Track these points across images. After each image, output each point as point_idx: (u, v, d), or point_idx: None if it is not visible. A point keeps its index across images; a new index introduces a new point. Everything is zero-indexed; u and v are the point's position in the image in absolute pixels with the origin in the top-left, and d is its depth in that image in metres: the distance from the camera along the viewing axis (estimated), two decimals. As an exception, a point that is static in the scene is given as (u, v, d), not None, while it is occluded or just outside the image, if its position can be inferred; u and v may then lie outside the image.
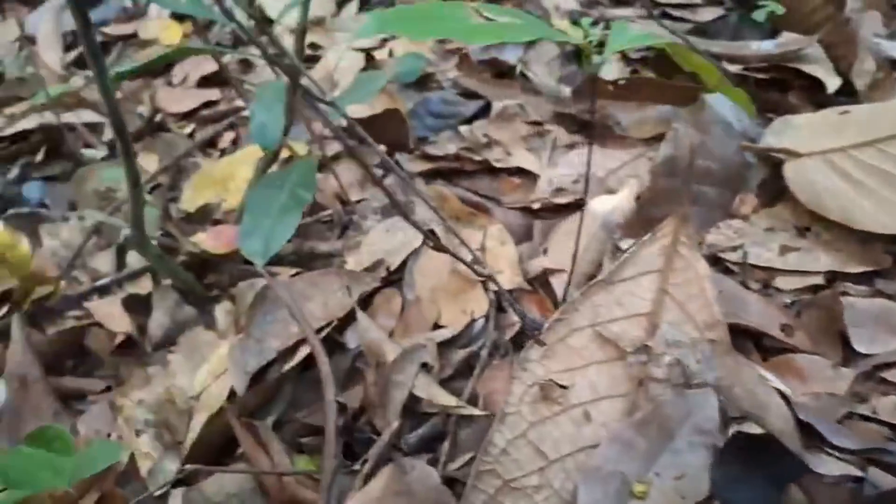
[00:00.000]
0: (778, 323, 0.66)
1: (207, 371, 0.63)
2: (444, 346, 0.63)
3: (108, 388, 0.66)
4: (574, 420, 0.55)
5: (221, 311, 0.69)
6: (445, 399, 0.57)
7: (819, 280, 0.69)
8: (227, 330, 0.67)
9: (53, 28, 1.44)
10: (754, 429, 0.53)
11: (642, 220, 0.74)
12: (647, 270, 0.63)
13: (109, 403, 0.64)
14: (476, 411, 0.57)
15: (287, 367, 0.61)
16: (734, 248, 0.74)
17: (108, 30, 1.40)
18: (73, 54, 1.39)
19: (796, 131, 0.80)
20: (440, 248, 0.59)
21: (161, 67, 1.22)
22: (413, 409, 0.59)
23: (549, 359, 0.58)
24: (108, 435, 0.60)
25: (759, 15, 0.84)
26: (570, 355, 0.58)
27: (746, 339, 0.65)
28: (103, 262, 0.77)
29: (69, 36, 1.49)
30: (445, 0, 0.37)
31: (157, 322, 0.67)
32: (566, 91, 0.97)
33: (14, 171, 0.97)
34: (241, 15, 0.61)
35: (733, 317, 0.65)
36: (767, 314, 0.67)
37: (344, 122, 0.61)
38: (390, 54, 1.05)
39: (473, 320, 0.65)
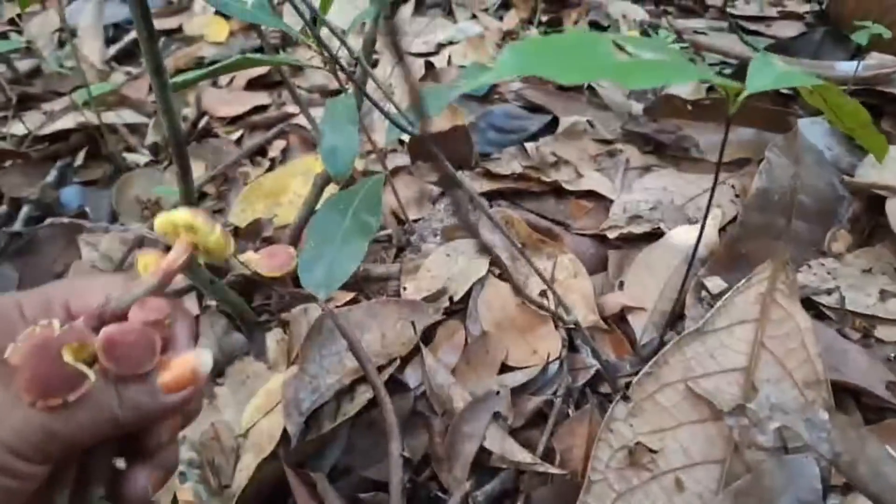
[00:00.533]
0: (882, 380, 0.60)
1: (256, 406, 0.58)
2: (515, 392, 0.58)
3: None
4: (665, 489, 0.49)
5: (272, 340, 0.64)
6: (521, 455, 0.52)
7: (925, 332, 0.62)
8: (279, 361, 0.63)
9: (95, 20, 1.41)
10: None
11: (730, 256, 0.68)
12: (742, 320, 0.57)
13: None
14: (554, 469, 0.52)
15: (345, 409, 0.56)
16: (828, 291, 0.67)
17: (152, 24, 1.36)
18: (114, 48, 1.36)
19: (896, 164, 0.74)
20: (511, 281, 0.53)
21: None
22: (481, 463, 0.53)
23: (636, 417, 0.52)
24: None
25: (860, 37, 0.77)
26: (660, 414, 0.52)
27: (846, 398, 0.59)
28: (146, 277, 0.73)
29: (111, 29, 1.46)
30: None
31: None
32: (636, 107, 0.91)
33: (52, 174, 0.92)
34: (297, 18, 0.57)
35: (832, 372, 0.58)
36: (870, 369, 0.60)
37: (407, 138, 0.56)
38: (448, 61, 0.99)
39: (548, 363, 0.59)
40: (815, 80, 0.41)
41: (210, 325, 0.64)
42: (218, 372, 0.63)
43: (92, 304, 0.33)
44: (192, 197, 0.53)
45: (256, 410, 0.58)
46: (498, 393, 0.54)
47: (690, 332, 0.55)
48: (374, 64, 1.05)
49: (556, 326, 0.64)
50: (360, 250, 0.55)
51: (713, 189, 0.52)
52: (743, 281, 0.58)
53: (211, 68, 0.57)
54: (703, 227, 0.54)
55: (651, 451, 0.50)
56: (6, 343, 0.31)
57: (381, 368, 0.59)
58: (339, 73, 0.60)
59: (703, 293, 0.66)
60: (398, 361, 0.60)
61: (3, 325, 0.32)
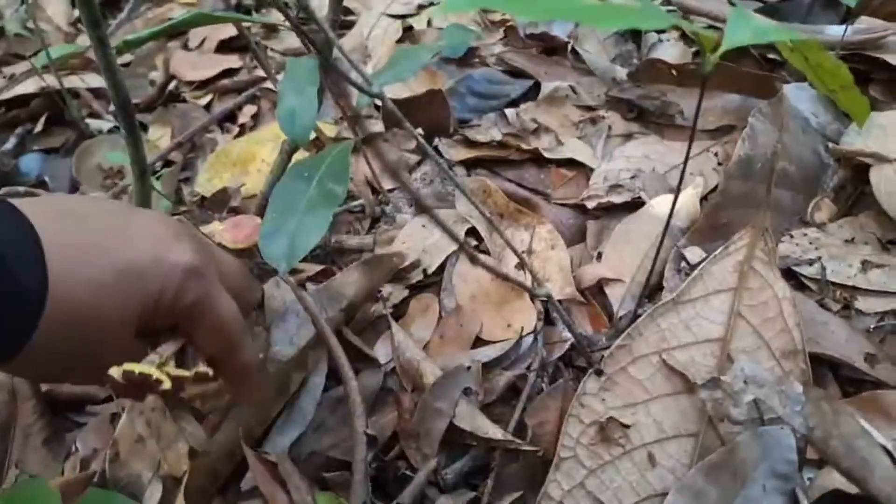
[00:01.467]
0: (861, 352, 0.59)
1: None
2: (488, 367, 0.56)
3: (110, 398, 0.59)
4: (638, 465, 0.48)
5: None
6: (492, 431, 0.50)
7: (907, 302, 0.61)
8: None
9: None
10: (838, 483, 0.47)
11: (710, 226, 0.66)
12: (719, 289, 0.55)
13: (111, 416, 0.57)
14: (526, 446, 0.50)
15: (296, 379, 0.54)
16: (810, 262, 0.66)
17: (120, -16, 1.30)
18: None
19: (882, 132, 0.72)
20: (478, 261, 0.51)
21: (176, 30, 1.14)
22: (451, 440, 0.52)
23: (608, 391, 0.51)
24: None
25: (849, 0, 0.74)
26: (633, 388, 0.51)
27: (824, 370, 0.58)
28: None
29: (80, -11, 1.40)
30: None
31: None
32: (621, 73, 0.88)
33: (11, 141, 0.88)
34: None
35: (810, 343, 0.57)
36: (849, 341, 0.59)
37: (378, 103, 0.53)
38: (429, 23, 0.96)
39: (521, 337, 0.58)
40: (795, 34, 0.39)
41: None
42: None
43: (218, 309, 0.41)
44: (143, 164, 0.50)
45: None
46: (469, 368, 0.52)
47: (665, 302, 0.53)
48: (351, 25, 1.01)
49: (532, 300, 0.63)
50: (325, 221, 0.52)
51: (687, 156, 0.50)
52: (720, 249, 0.57)
53: (162, 26, 0.54)
54: (676, 195, 0.52)
55: (623, 425, 0.49)
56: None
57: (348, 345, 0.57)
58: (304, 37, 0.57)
59: (683, 264, 0.65)
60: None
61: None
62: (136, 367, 0.35)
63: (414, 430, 0.51)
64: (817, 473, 0.51)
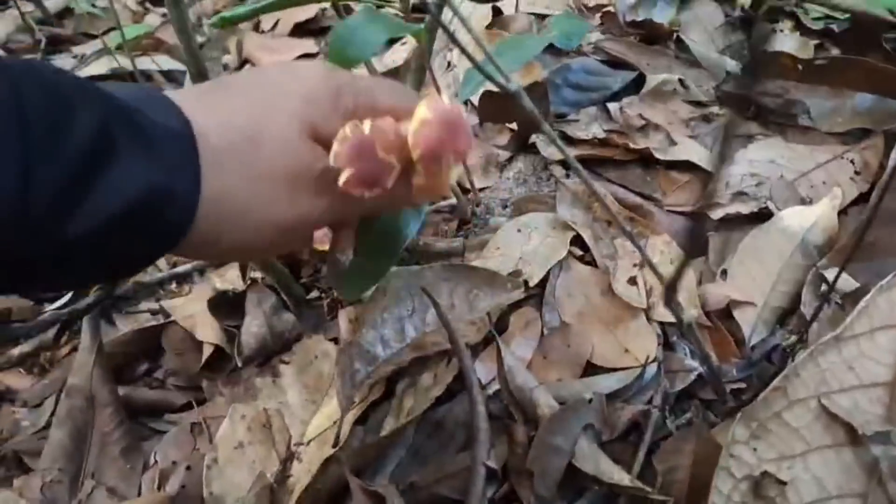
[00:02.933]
0: None
1: (326, 415, 0.51)
2: (607, 399, 0.50)
3: (189, 405, 0.55)
4: (796, 529, 0.41)
5: (345, 318, 0.56)
6: (618, 475, 0.44)
7: None
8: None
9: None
10: None
11: (855, 245, 0.58)
12: (887, 325, 0.48)
13: (191, 426, 0.53)
14: (655, 495, 0.44)
15: (407, 404, 0.49)
16: (971, 290, 0.57)
17: (189, -39, 1.26)
18: (151, -13, 1.27)
19: None
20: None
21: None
22: (568, 480, 0.46)
23: (760, 440, 0.44)
24: (188, 468, 0.50)
25: None
26: (789, 437, 0.44)
27: None
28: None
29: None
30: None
31: (252, 331, 0.55)
32: (730, 64, 0.80)
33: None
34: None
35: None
36: None
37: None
38: (516, 7, 0.89)
39: (644, 366, 0.51)
40: None
41: (258, 303, 0.57)
42: (264, 353, 0.56)
43: (381, 103, 0.37)
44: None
45: (327, 418, 0.51)
46: (590, 401, 0.46)
47: (827, 339, 0.46)
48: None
49: (650, 320, 0.56)
50: (415, 222, 0.46)
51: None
52: (889, 277, 0.49)
53: (262, 4, 0.48)
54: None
55: (780, 482, 0.42)
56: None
57: (445, 353, 0.51)
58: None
59: (823, 287, 0.57)
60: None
61: (338, 110, 0.36)
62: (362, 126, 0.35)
63: (528, 467, 0.45)
64: None
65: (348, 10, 0.97)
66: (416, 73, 0.61)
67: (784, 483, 0.42)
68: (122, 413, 0.53)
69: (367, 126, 0.35)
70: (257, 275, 0.62)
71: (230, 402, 0.53)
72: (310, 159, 0.35)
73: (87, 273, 0.32)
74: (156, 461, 0.51)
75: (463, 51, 0.43)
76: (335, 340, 0.56)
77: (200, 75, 0.49)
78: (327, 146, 0.35)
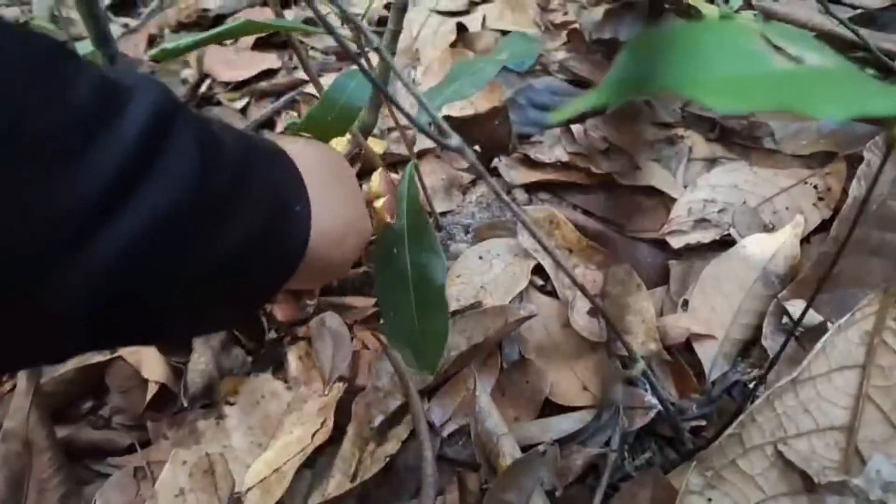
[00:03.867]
0: None
1: (266, 462, 0.49)
2: (563, 442, 0.49)
3: (133, 447, 0.53)
4: (752, 583, 0.40)
5: (294, 356, 0.54)
6: None
7: None
8: (300, 379, 0.53)
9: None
10: None
11: (818, 277, 0.57)
12: (843, 366, 0.47)
13: (134, 470, 0.51)
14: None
15: (365, 461, 0.47)
16: (932, 321, 0.57)
17: (152, -29, 1.23)
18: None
19: None
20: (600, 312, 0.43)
21: (211, 22, 1.07)
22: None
23: (715, 489, 0.43)
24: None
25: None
26: (745, 485, 0.43)
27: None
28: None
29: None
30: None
31: (199, 368, 0.53)
32: (698, 85, 0.79)
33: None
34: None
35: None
36: None
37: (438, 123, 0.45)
38: (483, 23, 0.87)
39: (602, 408, 0.50)
40: None
41: (206, 339, 0.55)
42: (208, 393, 0.54)
43: None
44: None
45: (266, 466, 0.49)
46: (544, 453, 0.45)
47: (783, 383, 0.45)
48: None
49: (610, 355, 0.55)
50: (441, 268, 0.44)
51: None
52: (846, 317, 0.48)
53: (206, 35, 0.46)
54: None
55: (733, 533, 0.41)
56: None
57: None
58: (352, 39, 0.49)
59: (785, 320, 0.56)
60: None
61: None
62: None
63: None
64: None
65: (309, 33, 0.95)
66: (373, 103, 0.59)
67: (739, 535, 0.41)
68: (60, 458, 0.51)
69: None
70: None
71: (174, 445, 0.51)
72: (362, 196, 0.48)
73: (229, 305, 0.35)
74: (96, 507, 0.49)
75: (396, 105, 0.41)
76: (285, 379, 0.54)
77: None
78: None
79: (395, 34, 0.54)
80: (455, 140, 0.36)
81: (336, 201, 0.42)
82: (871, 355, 0.46)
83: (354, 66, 0.52)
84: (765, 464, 0.43)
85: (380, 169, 0.51)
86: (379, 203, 0.50)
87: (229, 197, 0.31)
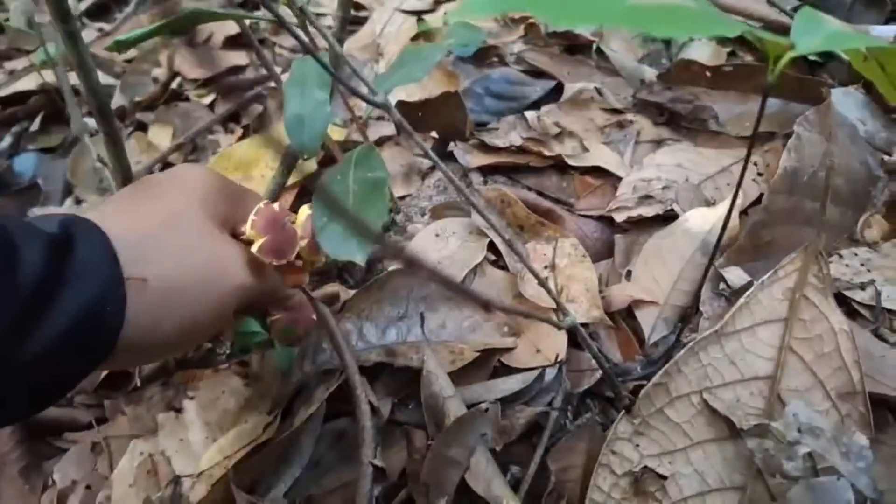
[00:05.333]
0: (925, 390, 0.53)
1: (220, 448, 0.50)
2: (508, 401, 0.51)
3: (91, 424, 0.55)
4: (677, 522, 0.43)
5: (256, 353, 0.56)
6: (504, 493, 0.44)
7: (975, 332, 0.55)
8: (259, 374, 0.55)
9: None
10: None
11: (752, 245, 0.60)
12: (767, 320, 0.49)
13: (92, 445, 0.53)
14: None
15: (309, 410, 0.49)
16: (862, 286, 0.60)
17: (127, -23, 1.26)
18: (88, 2, 1.26)
19: (940, 139, 0.65)
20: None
21: (182, 23, 1.09)
22: (464, 489, 0.47)
23: (643, 436, 0.45)
24: (87, 487, 0.49)
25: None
26: (671, 432, 0.45)
27: (883, 411, 0.52)
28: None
29: (86, -19, 1.36)
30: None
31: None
32: (649, 73, 0.82)
33: (6, 140, 0.84)
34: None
35: (868, 380, 0.51)
36: (910, 377, 0.53)
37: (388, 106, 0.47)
38: (444, 21, 0.90)
39: (544, 368, 0.52)
40: (875, 41, 0.33)
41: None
42: (164, 372, 0.56)
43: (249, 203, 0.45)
44: (125, 166, 0.45)
45: (218, 452, 0.50)
46: (486, 411, 0.47)
47: (708, 334, 0.48)
48: (363, 21, 0.95)
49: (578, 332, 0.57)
50: (382, 207, 0.46)
51: (744, 168, 0.44)
52: (769, 273, 0.51)
53: (154, 26, 0.49)
54: (728, 213, 0.46)
55: (660, 476, 0.44)
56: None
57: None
58: (303, 31, 0.52)
59: (722, 286, 0.59)
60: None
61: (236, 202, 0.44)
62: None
63: (423, 480, 0.46)
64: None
65: (278, 31, 0.98)
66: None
67: (664, 478, 0.44)
68: (22, 432, 0.53)
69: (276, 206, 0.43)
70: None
71: (132, 421, 0.53)
72: (220, 241, 0.41)
73: (31, 398, 0.34)
74: (54, 481, 0.51)
75: (351, 68, 0.44)
76: (246, 375, 0.56)
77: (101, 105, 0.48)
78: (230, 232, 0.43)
79: (343, 21, 0.56)
80: (381, 97, 0.39)
81: (170, 266, 0.37)
82: (794, 310, 0.49)
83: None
84: (691, 412, 0.46)
85: (261, 204, 0.44)
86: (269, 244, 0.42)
87: (27, 313, 0.31)
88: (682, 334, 0.57)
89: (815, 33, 0.33)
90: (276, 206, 0.44)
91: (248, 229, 0.41)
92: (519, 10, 0.20)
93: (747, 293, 0.49)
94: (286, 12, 0.44)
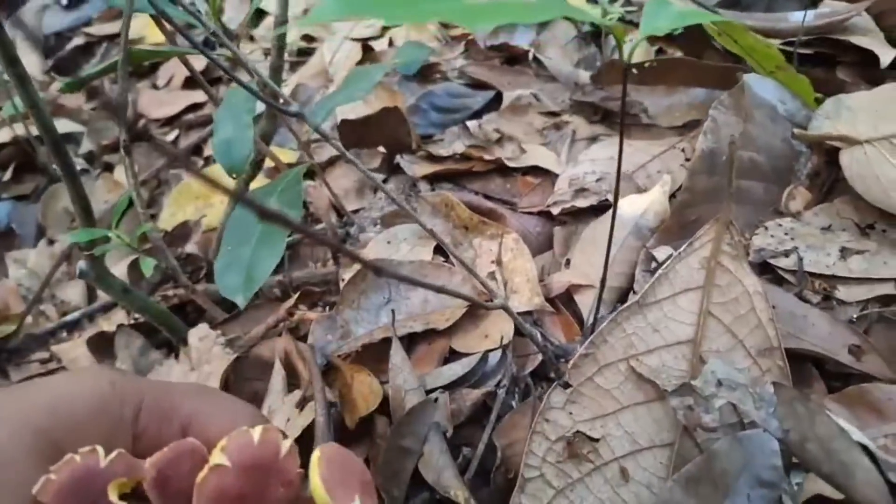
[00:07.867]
0: (845, 344, 0.56)
1: None
2: (456, 385, 0.54)
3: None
4: (609, 481, 0.46)
5: (195, 337, 0.59)
6: (455, 491, 0.47)
7: (890, 289, 0.59)
8: (202, 360, 0.58)
9: (34, 30, 1.37)
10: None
11: (679, 224, 0.64)
12: (686, 288, 0.53)
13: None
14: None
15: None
16: (786, 253, 0.64)
17: (91, 29, 1.32)
18: (56, 57, 1.31)
19: (851, 114, 0.70)
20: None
21: (146, 69, 1.14)
22: (417, 479, 0.50)
23: (575, 404, 0.49)
24: None
25: (806, -19, 0.73)
26: (601, 398, 0.49)
27: (807, 366, 0.56)
28: (74, 292, 0.69)
29: (53, 38, 1.41)
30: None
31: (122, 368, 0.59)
32: (584, 76, 0.87)
33: (-20, 191, 0.89)
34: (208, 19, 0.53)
35: (791, 339, 0.55)
36: (831, 333, 0.57)
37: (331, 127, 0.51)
38: (390, 43, 0.95)
39: (488, 352, 0.56)
40: (715, 16, 0.37)
41: (125, 345, 0.60)
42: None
43: (212, 432, 0.29)
44: (86, 206, 0.49)
45: None
46: (436, 400, 0.50)
47: (629, 305, 0.51)
48: (313, 51, 1.00)
49: (507, 311, 0.61)
50: (279, 249, 0.51)
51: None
52: (685, 246, 0.55)
53: (98, 67, 0.53)
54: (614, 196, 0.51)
55: (592, 439, 0.47)
56: (113, 443, 0.27)
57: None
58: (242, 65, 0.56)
59: (653, 264, 0.63)
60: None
61: (107, 423, 0.29)
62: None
63: (379, 471, 0.49)
64: (805, 477, 0.48)
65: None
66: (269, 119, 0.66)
67: (596, 440, 0.47)
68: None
69: (101, 452, 0.27)
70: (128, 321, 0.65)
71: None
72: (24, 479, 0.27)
73: None
74: None
75: (252, 91, 0.48)
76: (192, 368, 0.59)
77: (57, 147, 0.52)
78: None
79: (280, 49, 0.61)
80: (295, 106, 0.43)
81: None
82: (710, 277, 0.53)
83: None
84: (619, 378, 0.49)
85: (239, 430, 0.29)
86: None
87: None
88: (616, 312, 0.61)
89: (662, 15, 0.37)
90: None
91: (36, 490, 0.26)
92: (358, 14, 0.24)
93: (665, 265, 0.53)
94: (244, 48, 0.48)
